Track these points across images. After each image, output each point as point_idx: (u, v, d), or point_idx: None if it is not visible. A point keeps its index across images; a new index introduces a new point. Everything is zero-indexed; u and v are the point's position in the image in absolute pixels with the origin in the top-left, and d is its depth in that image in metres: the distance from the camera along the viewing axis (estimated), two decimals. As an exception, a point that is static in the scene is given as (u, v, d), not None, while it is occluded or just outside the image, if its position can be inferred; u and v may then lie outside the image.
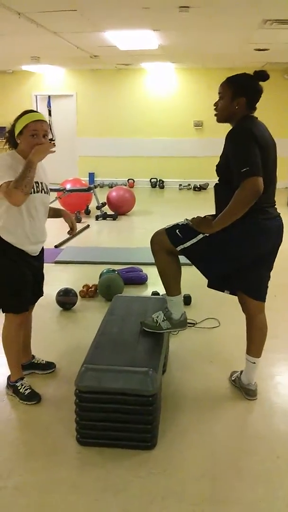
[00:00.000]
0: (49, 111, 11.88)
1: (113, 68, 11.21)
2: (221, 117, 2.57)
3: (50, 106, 11.88)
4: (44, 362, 3.10)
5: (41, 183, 2.69)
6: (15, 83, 11.86)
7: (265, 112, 12.25)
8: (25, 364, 3.02)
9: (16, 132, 2.57)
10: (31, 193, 2.56)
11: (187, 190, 11.50)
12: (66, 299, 4.09)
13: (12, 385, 2.83)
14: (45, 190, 2.72)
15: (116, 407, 2.33)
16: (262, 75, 2.47)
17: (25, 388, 2.79)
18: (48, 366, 3.09)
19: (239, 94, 2.46)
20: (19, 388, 2.80)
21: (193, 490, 2.15)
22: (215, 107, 2.57)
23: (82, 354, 2.51)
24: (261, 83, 2.51)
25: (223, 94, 2.52)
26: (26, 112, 2.61)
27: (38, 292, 2.90)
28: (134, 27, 6.32)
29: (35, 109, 2.67)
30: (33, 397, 2.77)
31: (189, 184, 11.59)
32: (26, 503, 2.07)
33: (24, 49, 8.29)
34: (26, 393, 2.77)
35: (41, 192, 2.68)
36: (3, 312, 2.74)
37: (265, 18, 5.72)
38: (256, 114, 2.55)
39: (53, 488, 2.16)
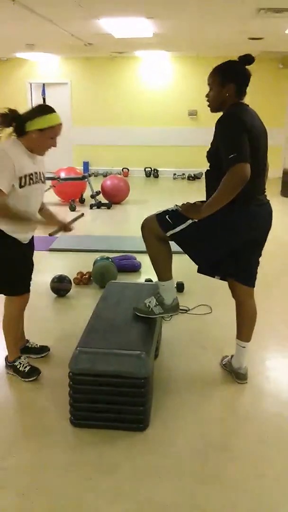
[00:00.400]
0: (44, 99, 11.81)
1: (108, 56, 11.16)
2: (214, 107, 2.60)
3: (44, 94, 11.80)
4: (38, 346, 3.16)
5: (40, 172, 2.72)
6: (10, 70, 11.78)
7: (260, 101, 12.33)
8: (20, 348, 3.07)
9: (36, 126, 2.54)
10: (30, 184, 2.60)
11: (181, 179, 11.52)
12: (60, 286, 4.14)
13: (11, 365, 2.91)
14: (43, 180, 2.76)
15: (109, 389, 2.39)
16: (247, 59, 2.51)
17: (24, 365, 2.88)
18: (42, 350, 3.15)
19: (228, 81, 2.50)
20: (18, 366, 2.88)
21: (184, 469, 2.22)
22: (207, 98, 2.60)
23: (76, 339, 2.56)
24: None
25: (213, 84, 2.55)
26: (49, 109, 2.59)
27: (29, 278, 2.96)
28: (128, 14, 6.30)
29: (47, 105, 2.66)
30: (33, 372, 2.87)
31: (183, 174, 11.61)
32: (22, 482, 2.13)
33: (19, 37, 8.24)
34: (26, 370, 2.86)
35: (39, 182, 2.72)
36: (6, 295, 2.80)
37: (259, 7, 5.71)
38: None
39: (48, 467, 2.22)
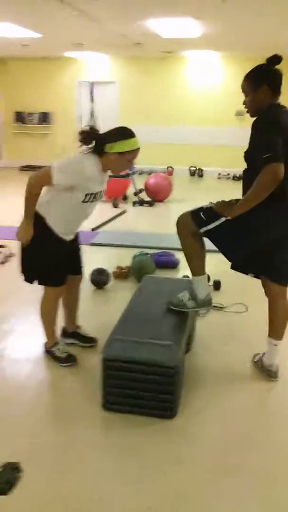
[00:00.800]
0: (92, 98, 12.07)
1: (156, 56, 11.26)
2: (253, 111, 2.64)
3: (92, 93, 12.06)
4: (88, 335, 3.27)
5: (103, 190, 2.83)
6: (59, 69, 12.08)
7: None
8: (70, 332, 3.23)
9: (117, 149, 2.64)
10: (91, 201, 2.74)
11: (226, 179, 11.49)
12: (99, 278, 4.27)
13: (48, 351, 3.06)
14: (102, 196, 2.86)
15: (139, 376, 2.48)
16: (274, 59, 2.56)
17: (62, 351, 3.03)
18: (91, 340, 3.26)
19: (260, 84, 2.54)
20: (55, 353, 3.02)
21: (207, 460, 2.28)
22: (244, 106, 2.65)
23: (110, 329, 2.66)
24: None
25: (247, 91, 2.61)
26: (130, 133, 2.69)
27: (77, 265, 3.09)
28: (176, 15, 6.38)
29: (129, 129, 2.76)
30: (69, 359, 3.01)
31: (228, 174, 11.57)
32: (53, 458, 2.25)
33: (69, 37, 8.47)
34: (63, 356, 3.01)
35: (98, 199, 2.83)
36: (44, 285, 2.93)
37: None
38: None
39: (77, 447, 2.34)
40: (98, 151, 2.68)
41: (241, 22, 6.86)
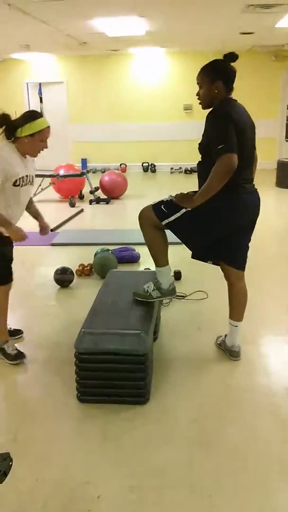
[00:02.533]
0: (41, 98, 12.02)
1: (103, 54, 11.33)
2: (205, 104, 2.79)
3: (41, 94, 12.02)
4: (12, 329, 3.37)
5: (30, 175, 2.94)
6: (6, 71, 11.96)
7: (253, 93, 12.50)
8: None
9: (26, 132, 2.77)
10: (20, 186, 2.84)
11: (179, 173, 11.71)
12: (63, 277, 4.35)
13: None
14: (31, 182, 2.98)
15: (112, 366, 2.60)
16: (231, 57, 2.72)
17: (12, 349, 3.11)
18: (17, 332, 3.39)
19: (216, 78, 2.70)
20: (6, 350, 3.10)
21: (183, 436, 2.43)
22: (198, 97, 2.80)
23: (80, 324, 2.75)
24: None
25: (202, 83, 2.75)
26: (36, 115, 2.82)
27: None
28: (120, 13, 6.48)
29: (34, 110, 2.92)
30: (19, 356, 3.09)
31: (180, 168, 11.80)
32: (34, 451, 2.34)
33: (14, 38, 8.42)
34: (13, 354, 3.09)
35: (28, 184, 2.94)
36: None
37: (248, 3, 5.90)
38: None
39: (57, 438, 2.43)
40: (9, 136, 2.82)
41: (184, 19, 7.04)
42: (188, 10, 6.35)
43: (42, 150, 2.89)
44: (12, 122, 2.81)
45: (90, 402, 2.68)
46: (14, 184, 2.81)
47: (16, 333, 3.40)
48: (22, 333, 3.43)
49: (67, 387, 2.79)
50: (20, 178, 2.82)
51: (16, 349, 3.12)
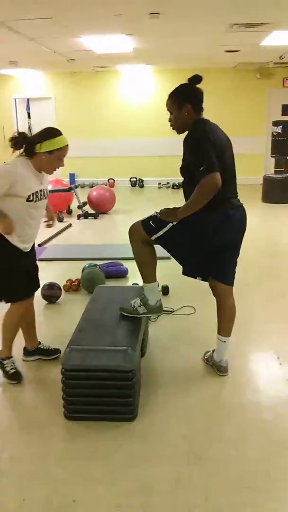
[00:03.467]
0: (28, 114, 12.06)
1: (90, 71, 11.43)
2: (178, 128, 2.85)
3: (29, 109, 12.07)
4: (50, 348, 3.34)
5: (44, 189, 2.93)
6: (-6, 87, 12.00)
7: (239, 110, 12.63)
8: (32, 350, 3.29)
9: (45, 149, 2.77)
10: (35, 201, 2.83)
11: (166, 188, 11.78)
12: (51, 293, 4.33)
13: None
14: (46, 196, 2.97)
15: (99, 383, 2.59)
16: (195, 79, 2.79)
17: (11, 367, 3.06)
18: (54, 352, 3.32)
19: (184, 102, 2.75)
20: (5, 365, 3.06)
21: (171, 453, 2.42)
22: (170, 123, 2.84)
23: (67, 340, 2.74)
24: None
25: (171, 109, 2.81)
26: (56, 132, 2.84)
27: (35, 283, 3.16)
28: (108, 32, 6.57)
29: (55, 128, 2.92)
30: (16, 377, 3.04)
31: (168, 183, 11.86)
32: (21, 471, 2.31)
33: (2, 54, 8.48)
34: (10, 372, 3.04)
35: (43, 199, 2.93)
36: (9, 302, 2.99)
37: (232, 22, 6.01)
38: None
39: (44, 457, 2.40)
40: (29, 153, 2.81)
41: (170, 37, 7.15)
42: (174, 29, 6.45)
43: (58, 168, 2.90)
44: (30, 139, 2.82)
45: (78, 420, 2.66)
46: (28, 200, 2.79)
47: (53, 353, 3.32)
48: (60, 352, 3.30)
49: (54, 404, 2.76)
50: (33, 194, 2.81)
51: (15, 368, 3.07)
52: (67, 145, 2.86)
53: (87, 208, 8.51)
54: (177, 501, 2.10)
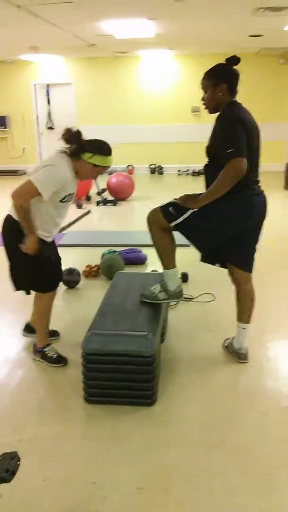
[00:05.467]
0: (48, 100, 12.06)
1: (111, 56, 11.36)
2: (211, 108, 2.80)
3: (49, 95, 12.06)
4: (50, 330, 3.34)
5: (73, 193, 2.95)
6: (14, 73, 12.01)
7: (262, 96, 12.49)
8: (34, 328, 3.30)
9: (94, 161, 2.80)
10: (68, 201, 2.88)
11: (186, 175, 11.71)
12: (70, 278, 4.35)
13: (40, 351, 3.13)
14: (73, 198, 2.98)
15: (119, 367, 2.60)
16: (233, 60, 2.73)
17: (53, 352, 3.10)
18: (53, 334, 3.37)
19: (219, 82, 2.70)
20: (47, 353, 3.10)
21: (191, 437, 2.43)
22: (203, 102, 2.80)
23: (87, 325, 2.75)
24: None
25: (206, 87, 2.75)
26: (109, 151, 2.88)
27: (59, 273, 3.20)
28: (130, 16, 6.50)
29: (109, 146, 2.93)
30: (61, 360, 3.09)
31: (187, 170, 11.80)
32: (41, 452, 2.34)
33: (23, 40, 8.47)
34: (54, 357, 3.08)
35: (71, 199, 2.96)
36: (38, 291, 3.04)
37: (257, 6, 5.90)
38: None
39: (64, 439, 2.43)
40: (74, 154, 2.81)
41: (194, 21, 7.05)
42: (198, 13, 6.36)
43: (90, 179, 2.93)
44: (83, 144, 2.82)
45: (97, 403, 2.68)
46: (62, 200, 2.82)
47: (52, 335, 3.35)
48: (59, 335, 3.40)
49: (74, 387, 2.80)
50: (68, 195, 2.85)
51: (57, 353, 3.11)
52: (110, 167, 2.92)
53: (106, 194, 8.51)
54: (197, 485, 2.11)
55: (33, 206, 2.76)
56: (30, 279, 3.00)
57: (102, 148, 2.85)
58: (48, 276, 3.01)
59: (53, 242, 3.08)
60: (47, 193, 2.70)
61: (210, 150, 2.73)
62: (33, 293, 3.07)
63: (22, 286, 3.03)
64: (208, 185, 2.74)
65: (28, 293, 3.06)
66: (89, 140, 2.85)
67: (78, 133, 2.83)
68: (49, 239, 2.97)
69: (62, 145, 2.86)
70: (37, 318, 3.11)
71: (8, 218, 2.86)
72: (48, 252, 2.97)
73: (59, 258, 3.17)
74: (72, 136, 2.81)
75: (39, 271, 2.95)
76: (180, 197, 2.78)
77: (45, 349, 3.11)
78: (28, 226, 2.76)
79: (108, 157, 2.86)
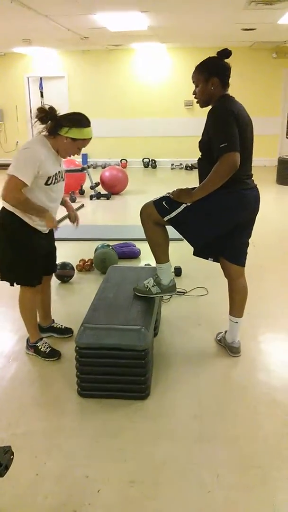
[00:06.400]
0: (41, 93, 11.99)
1: (104, 49, 11.30)
2: (203, 102, 2.78)
3: (42, 88, 11.99)
4: (63, 327, 3.37)
5: (62, 171, 2.91)
6: (7, 65, 11.92)
7: (255, 90, 12.47)
8: (45, 327, 3.32)
9: (71, 135, 2.72)
10: (54, 183, 2.81)
11: (179, 169, 11.70)
12: (64, 272, 4.35)
13: (32, 346, 3.12)
14: (63, 177, 2.95)
15: (112, 361, 2.61)
16: (224, 53, 2.72)
17: (46, 347, 3.10)
18: (67, 331, 3.36)
19: (211, 75, 2.69)
20: (40, 347, 3.10)
21: (183, 431, 2.44)
22: (194, 95, 2.79)
23: (81, 319, 2.76)
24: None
25: (197, 81, 2.74)
26: (86, 122, 2.77)
27: (51, 265, 3.19)
28: (123, 9, 6.46)
29: (85, 116, 2.81)
30: (54, 354, 3.08)
31: (181, 164, 11.78)
32: (34, 446, 2.35)
33: (16, 32, 8.39)
34: (47, 351, 3.08)
35: (61, 180, 2.91)
36: (18, 284, 2.97)
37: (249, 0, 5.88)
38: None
39: (57, 433, 2.44)
40: (51, 131, 2.75)
41: (187, 15, 7.02)
42: (190, 6, 6.33)
43: (73, 155, 2.87)
44: (58, 119, 2.74)
45: (91, 397, 2.69)
46: (46, 183, 2.76)
47: (66, 332, 3.35)
48: (72, 332, 3.35)
49: (68, 381, 2.80)
50: (52, 176, 2.78)
51: (50, 347, 3.11)
52: (91, 138, 2.82)
53: (100, 188, 8.49)
54: (188, 479, 2.13)
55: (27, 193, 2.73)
56: (15, 271, 2.93)
57: (78, 120, 2.75)
58: (32, 273, 2.95)
59: (51, 232, 3.06)
60: (28, 178, 2.63)
61: (203, 145, 2.73)
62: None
63: (6, 277, 2.96)
64: (201, 179, 2.74)
65: (11, 284, 2.98)
66: (64, 115, 2.77)
67: (51, 109, 2.74)
68: (45, 230, 2.93)
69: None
70: (23, 311, 3.04)
71: (3, 210, 2.81)
72: (36, 244, 2.91)
73: (53, 250, 3.14)
74: (46, 114, 2.73)
75: (25, 266, 2.90)
76: (174, 191, 2.77)
77: (38, 344, 3.11)
78: (37, 212, 2.73)
79: (85, 128, 2.76)
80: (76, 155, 2.89)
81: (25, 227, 2.82)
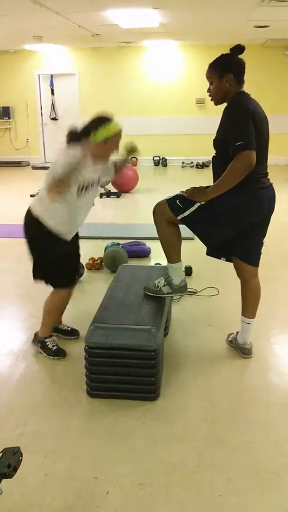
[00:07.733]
0: (52, 90, 11.98)
1: (115, 46, 11.26)
2: (217, 99, 2.73)
3: (52, 85, 11.98)
4: (69, 328, 3.35)
5: (97, 177, 2.90)
6: (18, 62, 11.92)
7: (266, 88, 12.37)
8: (53, 327, 3.29)
9: (100, 136, 2.69)
10: (85, 193, 2.81)
11: (190, 167, 11.63)
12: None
13: (40, 340, 3.11)
14: (98, 182, 2.95)
15: (122, 361, 2.58)
16: (238, 49, 2.66)
17: (53, 344, 3.09)
18: (72, 333, 3.33)
19: (225, 72, 2.63)
20: (47, 343, 3.09)
21: (193, 434, 2.40)
22: (209, 93, 2.75)
23: (90, 318, 2.72)
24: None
25: (212, 79, 2.69)
26: (107, 117, 2.75)
27: (77, 269, 3.24)
28: (135, 5, 6.42)
29: (106, 114, 2.82)
30: (59, 353, 3.07)
31: (192, 162, 11.72)
32: (43, 446, 2.32)
33: (27, 29, 8.38)
34: (53, 349, 3.07)
35: (94, 186, 2.91)
36: (54, 287, 3.03)
37: (264, -4, 5.82)
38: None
39: (67, 433, 2.41)
40: (75, 140, 2.75)
41: (199, 11, 6.96)
42: (203, 2, 6.27)
43: (113, 153, 2.82)
44: (83, 130, 2.73)
45: (100, 397, 2.66)
46: (78, 191, 2.76)
47: (71, 334, 3.33)
48: (79, 334, 3.32)
49: (77, 381, 2.77)
50: (85, 186, 2.78)
51: (57, 345, 3.10)
52: (121, 131, 2.79)
53: (110, 187, 8.45)
54: (199, 482, 2.09)
55: (52, 206, 2.74)
56: (48, 275, 3.00)
57: (99, 120, 2.74)
58: (65, 276, 3.02)
59: (76, 237, 3.08)
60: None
61: (218, 143, 2.68)
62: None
63: (41, 278, 3.03)
64: (216, 177, 2.69)
65: (47, 283, 3.05)
66: (86, 124, 2.76)
67: (74, 127, 2.77)
68: (69, 237, 2.94)
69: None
70: (49, 309, 3.08)
71: (30, 213, 2.83)
72: (65, 250, 2.96)
73: (78, 256, 3.19)
74: (72, 134, 2.76)
75: (56, 270, 2.97)
76: (187, 189, 2.73)
77: (46, 340, 3.10)
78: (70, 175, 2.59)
79: (110, 124, 2.73)
80: (116, 152, 2.85)
81: (53, 238, 2.84)
